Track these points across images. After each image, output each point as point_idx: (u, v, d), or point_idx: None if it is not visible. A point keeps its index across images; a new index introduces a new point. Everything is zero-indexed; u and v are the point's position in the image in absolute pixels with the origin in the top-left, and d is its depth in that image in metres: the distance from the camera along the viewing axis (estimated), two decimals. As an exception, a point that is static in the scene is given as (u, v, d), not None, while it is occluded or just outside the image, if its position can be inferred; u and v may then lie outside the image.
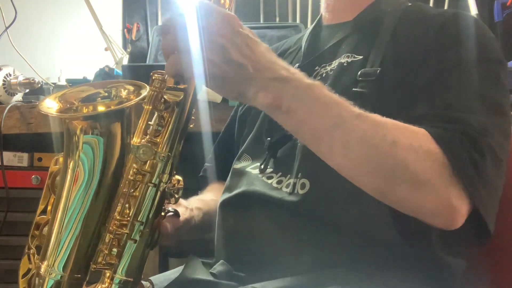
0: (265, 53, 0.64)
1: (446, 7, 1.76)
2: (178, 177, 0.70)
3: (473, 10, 1.48)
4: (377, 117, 0.65)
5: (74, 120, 0.65)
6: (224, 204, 0.84)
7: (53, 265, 0.64)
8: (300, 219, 0.73)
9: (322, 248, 0.72)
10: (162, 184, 0.66)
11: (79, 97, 0.70)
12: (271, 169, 0.81)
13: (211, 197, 0.95)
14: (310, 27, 0.97)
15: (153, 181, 0.66)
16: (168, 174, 0.67)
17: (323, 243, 0.72)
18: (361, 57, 0.80)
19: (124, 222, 0.66)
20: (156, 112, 0.66)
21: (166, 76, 0.65)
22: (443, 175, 0.63)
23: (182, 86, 0.65)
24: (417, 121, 0.67)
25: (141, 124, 0.66)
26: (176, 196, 0.70)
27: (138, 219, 0.66)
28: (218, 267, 0.78)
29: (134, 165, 0.66)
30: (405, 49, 0.77)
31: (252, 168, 0.84)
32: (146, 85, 0.67)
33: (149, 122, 0.67)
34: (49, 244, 0.65)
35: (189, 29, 0.61)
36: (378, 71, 0.75)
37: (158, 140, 0.66)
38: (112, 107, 0.68)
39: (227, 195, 0.84)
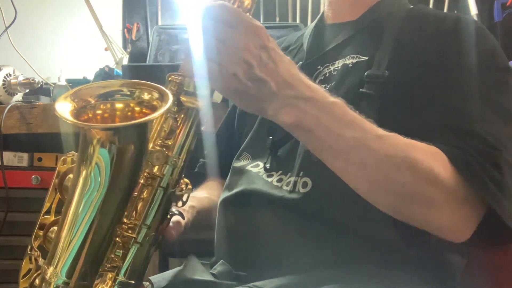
0: (289, 68, 0.63)
1: (446, 7, 1.76)
2: (186, 180, 0.69)
3: (473, 10, 1.48)
4: (396, 138, 0.64)
5: (92, 128, 0.61)
6: (225, 203, 0.83)
7: (60, 271, 0.62)
8: (301, 217, 0.74)
9: (323, 247, 0.72)
10: (170, 187, 0.65)
11: (96, 94, 0.65)
12: (272, 168, 0.81)
13: (204, 194, 0.94)
14: (311, 25, 0.96)
15: (162, 185, 0.64)
16: (177, 178, 0.66)
17: (324, 242, 0.72)
18: (366, 58, 0.80)
19: (131, 225, 0.64)
20: (169, 114, 0.65)
21: (185, 79, 0.64)
22: (459, 196, 0.64)
23: (203, 93, 0.64)
24: (428, 133, 0.68)
25: (154, 126, 0.65)
26: (184, 199, 0.69)
27: (145, 223, 0.64)
28: (218, 268, 0.78)
29: (146, 169, 0.64)
30: (411, 54, 0.76)
31: (252, 166, 0.84)
32: (168, 93, 0.62)
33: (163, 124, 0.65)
34: (56, 249, 0.63)
35: (214, 37, 0.59)
36: (386, 74, 0.75)
37: (170, 143, 0.65)
38: (134, 121, 0.63)
39: (227, 193, 0.84)
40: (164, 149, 0.64)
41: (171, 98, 0.61)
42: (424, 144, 0.65)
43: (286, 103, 0.61)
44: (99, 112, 0.64)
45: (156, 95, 0.63)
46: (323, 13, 0.94)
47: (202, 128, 0.67)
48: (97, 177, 0.60)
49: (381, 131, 0.64)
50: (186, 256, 0.84)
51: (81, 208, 0.61)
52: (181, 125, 0.65)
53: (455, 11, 1.70)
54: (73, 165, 0.69)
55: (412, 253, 0.72)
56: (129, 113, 0.64)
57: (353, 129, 0.63)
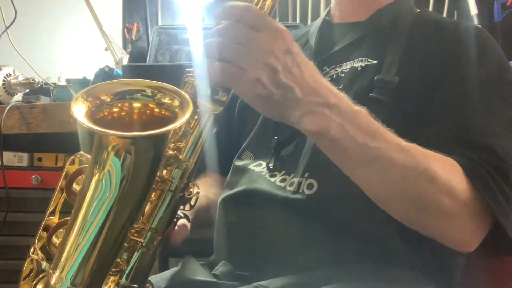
0: (314, 74, 0.61)
1: (446, 7, 1.76)
2: (195, 183, 0.67)
3: (473, 10, 1.48)
4: (417, 149, 0.65)
5: (110, 135, 0.57)
6: (226, 201, 0.83)
7: (65, 277, 0.59)
8: (305, 218, 0.73)
9: (327, 247, 0.72)
10: (180, 191, 0.64)
11: (112, 92, 0.61)
12: (275, 167, 0.81)
13: (201, 193, 0.94)
14: (316, 22, 0.94)
15: (171, 189, 0.63)
16: (187, 181, 0.64)
17: (328, 242, 0.72)
18: (375, 61, 0.79)
19: (138, 229, 0.63)
20: None
21: (202, 82, 0.61)
22: (472, 209, 0.66)
23: (222, 98, 0.62)
24: (439, 143, 0.68)
25: None
26: (192, 203, 0.67)
27: (152, 226, 0.63)
28: (220, 268, 0.77)
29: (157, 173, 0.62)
30: (420, 62, 0.77)
31: (255, 165, 0.84)
32: (190, 100, 0.58)
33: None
34: (62, 255, 0.60)
35: (238, 41, 0.57)
36: (396, 80, 0.75)
37: (182, 146, 0.63)
38: (153, 132, 0.58)
39: (228, 192, 0.83)
40: (176, 152, 0.62)
41: (191, 106, 0.57)
42: (442, 155, 0.66)
43: (310, 110, 0.60)
44: (115, 109, 0.61)
45: (176, 102, 0.59)
46: (329, 11, 0.93)
47: (214, 130, 0.66)
48: (109, 182, 0.57)
49: (403, 142, 0.64)
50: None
51: (91, 212, 0.58)
52: (195, 127, 0.63)
53: (455, 11, 1.70)
54: (81, 166, 0.67)
55: (413, 253, 0.73)
56: (147, 113, 0.61)
57: (377, 140, 0.62)
